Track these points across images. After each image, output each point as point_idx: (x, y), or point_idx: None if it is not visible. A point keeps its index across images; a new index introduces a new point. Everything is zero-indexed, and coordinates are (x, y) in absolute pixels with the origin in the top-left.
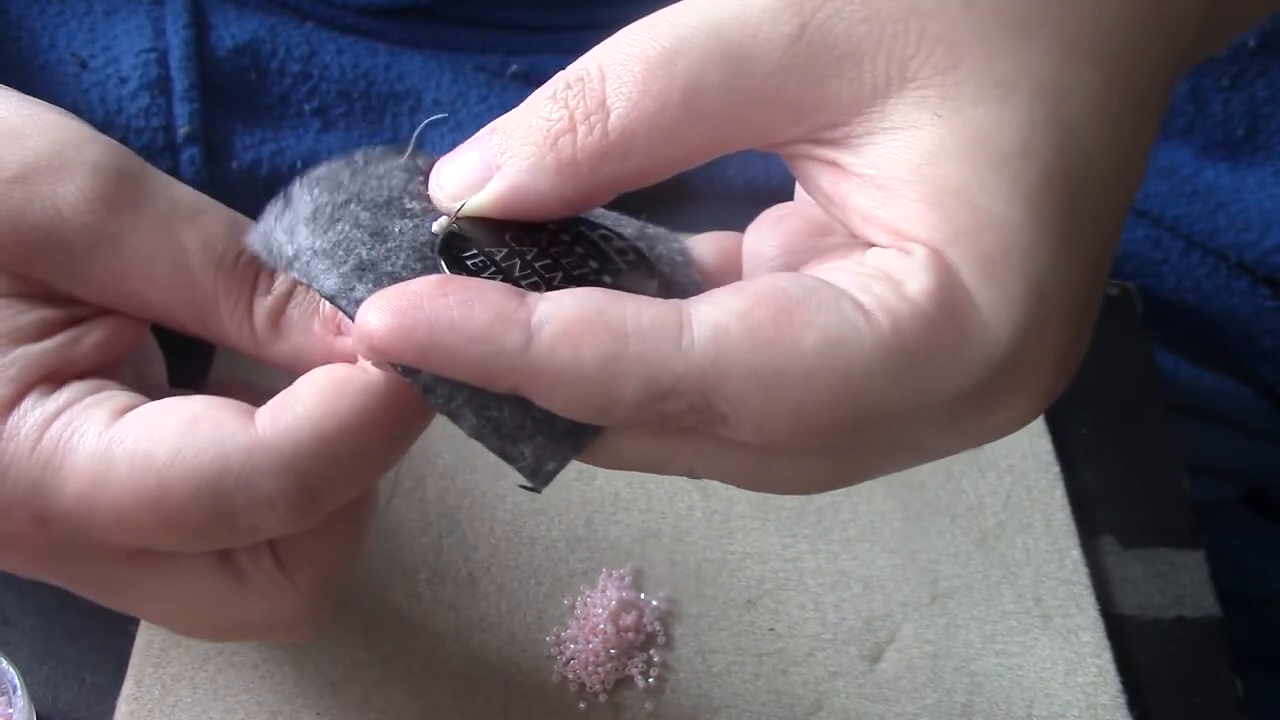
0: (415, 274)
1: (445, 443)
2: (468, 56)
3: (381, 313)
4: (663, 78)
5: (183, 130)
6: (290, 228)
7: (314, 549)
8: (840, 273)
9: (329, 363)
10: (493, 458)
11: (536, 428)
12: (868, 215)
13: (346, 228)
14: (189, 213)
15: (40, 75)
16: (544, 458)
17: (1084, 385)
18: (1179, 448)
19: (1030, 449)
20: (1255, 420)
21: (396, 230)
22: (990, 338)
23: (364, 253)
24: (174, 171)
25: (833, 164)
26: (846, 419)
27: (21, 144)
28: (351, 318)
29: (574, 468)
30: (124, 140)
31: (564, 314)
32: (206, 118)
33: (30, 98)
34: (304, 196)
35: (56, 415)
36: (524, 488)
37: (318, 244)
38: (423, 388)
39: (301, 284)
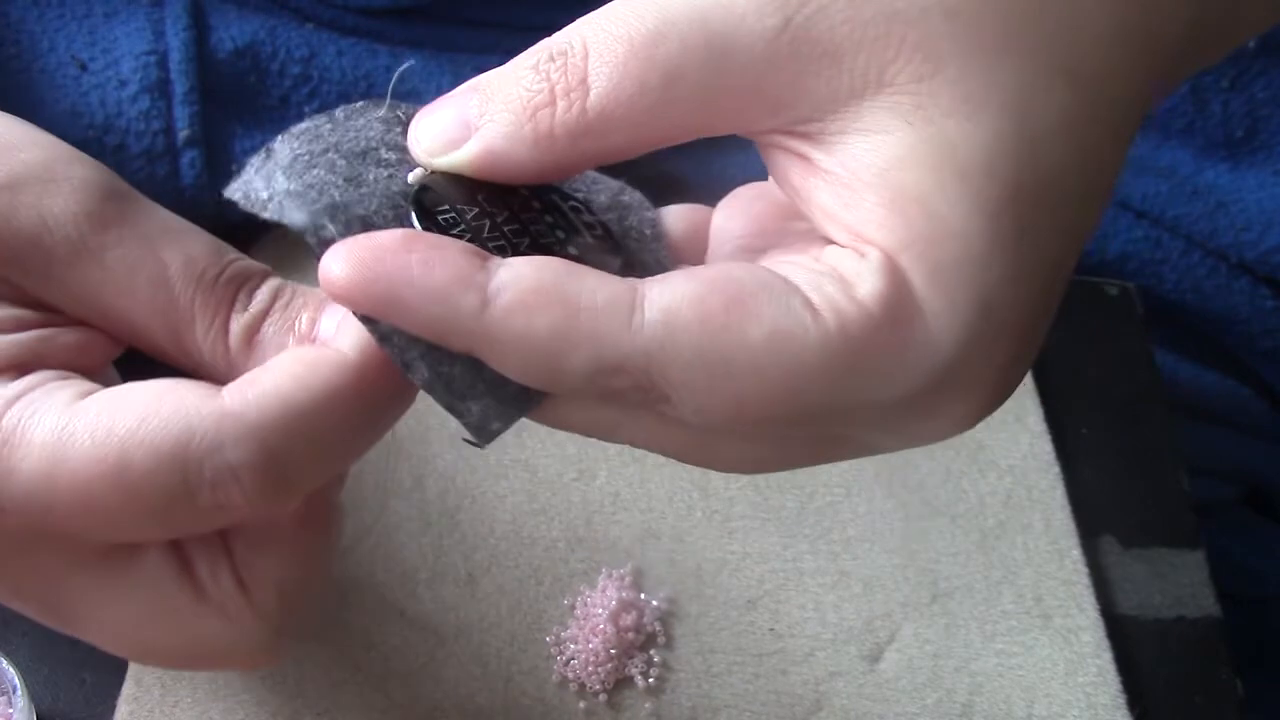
0: (387, 220)
1: (445, 443)
2: (467, 57)
3: (344, 263)
4: (644, 60)
5: (183, 133)
6: (269, 175)
7: (274, 568)
8: (795, 267)
9: None
10: (492, 458)
11: (486, 388)
12: (830, 213)
13: (321, 172)
14: (173, 232)
15: (40, 78)
16: (489, 417)
17: (1084, 385)
18: (1179, 448)
19: (1030, 449)
20: (1255, 420)
21: (371, 178)
22: (933, 347)
23: (336, 195)
24: (174, 175)
25: (803, 158)
26: (786, 412)
27: (12, 155)
28: (317, 258)
29: (575, 467)
30: (124, 143)
31: (521, 283)
32: (207, 120)
33: (23, 120)
34: (284, 148)
35: (17, 398)
36: (468, 441)
37: (292, 186)
38: (380, 336)
39: (279, 302)
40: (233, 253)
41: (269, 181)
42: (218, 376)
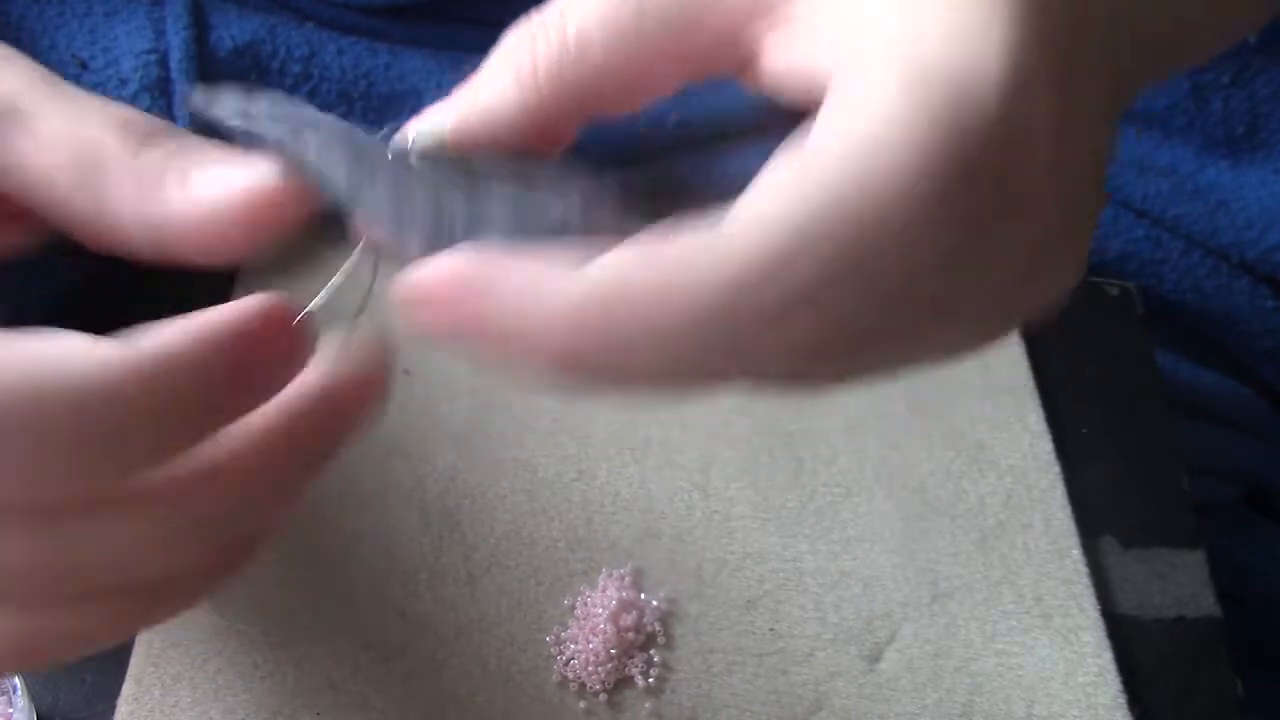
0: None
1: (445, 443)
2: (468, 57)
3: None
4: None
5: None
6: (246, 103)
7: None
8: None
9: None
10: (492, 458)
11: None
12: (821, 61)
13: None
14: (99, 103)
15: None
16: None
17: (1084, 385)
18: (1179, 448)
19: (1030, 449)
20: (1255, 420)
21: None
22: (974, 96)
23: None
24: None
25: (789, 42)
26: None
27: None
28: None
29: (575, 467)
30: None
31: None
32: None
33: None
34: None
35: None
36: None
37: (276, 114)
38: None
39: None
40: (158, 121)
41: (248, 101)
42: (133, 210)
